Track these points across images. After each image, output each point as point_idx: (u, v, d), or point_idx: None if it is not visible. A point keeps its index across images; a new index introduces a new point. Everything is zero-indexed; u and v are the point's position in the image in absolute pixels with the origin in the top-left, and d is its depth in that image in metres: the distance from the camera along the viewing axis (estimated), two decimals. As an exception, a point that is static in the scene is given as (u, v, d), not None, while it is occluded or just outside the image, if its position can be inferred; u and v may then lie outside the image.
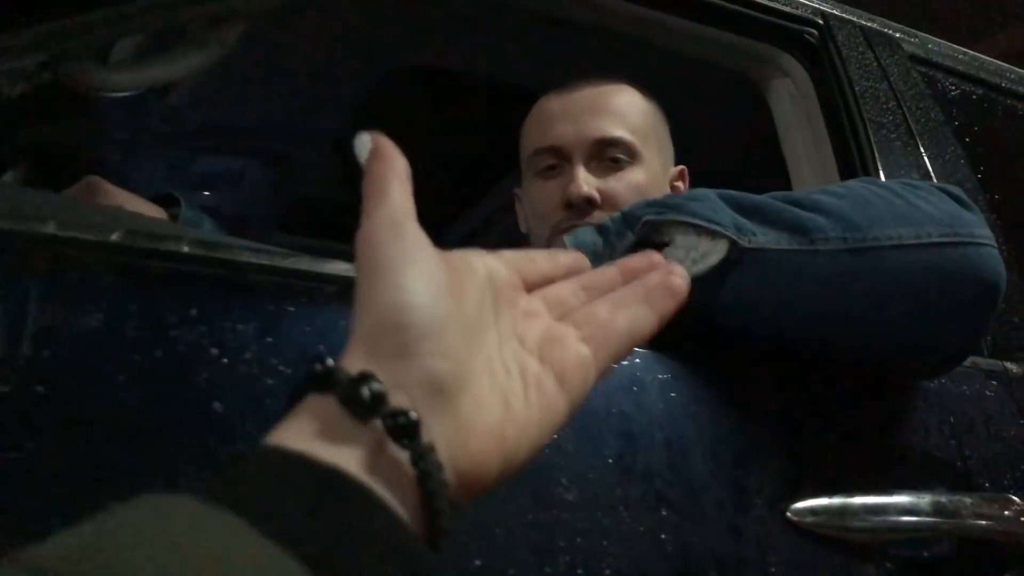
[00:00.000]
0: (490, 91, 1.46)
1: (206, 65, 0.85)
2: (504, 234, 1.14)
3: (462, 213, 1.78)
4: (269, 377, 0.51)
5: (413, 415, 0.31)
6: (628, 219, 0.74)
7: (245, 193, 1.51)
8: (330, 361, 0.32)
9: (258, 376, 0.51)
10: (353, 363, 0.32)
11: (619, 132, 1.03)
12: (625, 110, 1.05)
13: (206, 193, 1.48)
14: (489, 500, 0.53)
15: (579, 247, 0.61)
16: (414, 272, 0.34)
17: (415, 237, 0.35)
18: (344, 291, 0.57)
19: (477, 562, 0.52)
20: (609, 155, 1.03)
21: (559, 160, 1.04)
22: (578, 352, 0.39)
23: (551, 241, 1.04)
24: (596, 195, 1.00)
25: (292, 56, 1.30)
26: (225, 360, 0.51)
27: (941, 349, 0.73)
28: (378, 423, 0.31)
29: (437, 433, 0.32)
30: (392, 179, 0.37)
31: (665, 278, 0.42)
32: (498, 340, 0.37)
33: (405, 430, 0.31)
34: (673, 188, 1.11)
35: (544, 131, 1.06)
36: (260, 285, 0.55)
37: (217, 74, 1.05)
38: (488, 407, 0.35)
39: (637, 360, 0.64)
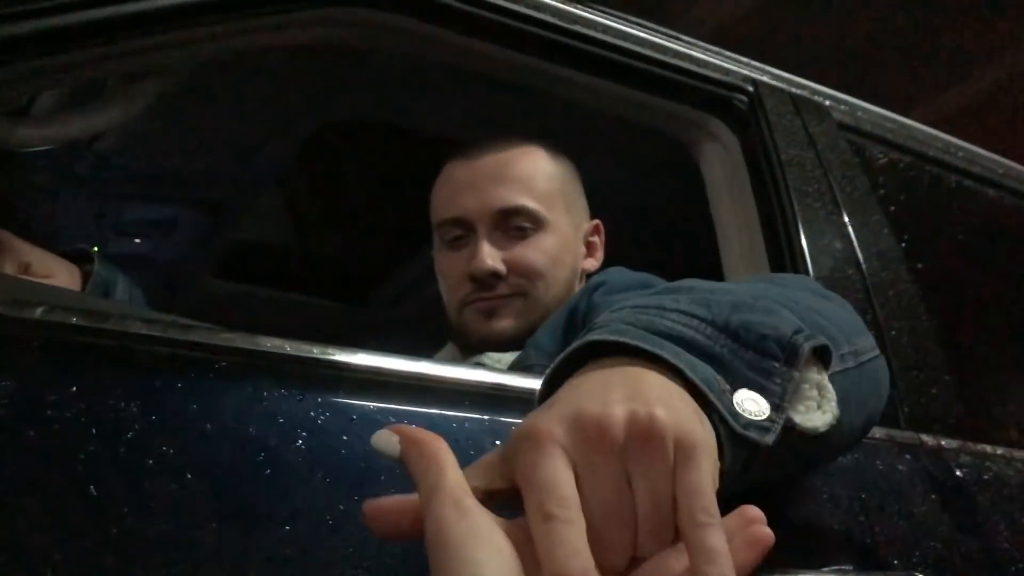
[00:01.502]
0: (425, 145, 1.46)
1: (126, 119, 0.84)
2: (436, 294, 1.14)
3: (398, 266, 1.78)
4: (150, 459, 0.49)
5: None
6: (770, 347, 0.53)
7: (177, 240, 1.49)
8: None
9: (138, 459, 0.49)
10: None
11: (522, 201, 1.03)
12: (529, 176, 1.06)
13: (137, 241, 1.45)
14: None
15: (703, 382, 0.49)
16: (483, 546, 0.38)
17: (479, 513, 0.40)
18: (239, 365, 0.56)
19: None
20: (514, 224, 1.03)
21: (464, 231, 1.04)
22: None
23: (460, 313, 1.04)
24: (501, 267, 1.00)
25: (223, 106, 1.29)
26: (104, 441, 0.49)
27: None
28: None
29: None
30: (444, 458, 0.42)
31: (749, 530, 0.44)
32: None
33: None
34: (588, 244, 1.11)
35: (449, 201, 1.06)
36: (147, 358, 0.54)
37: (146, 122, 1.04)
38: None
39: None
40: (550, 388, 0.50)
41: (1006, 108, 4.69)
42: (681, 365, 0.47)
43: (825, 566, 0.67)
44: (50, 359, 0.51)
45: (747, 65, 1.19)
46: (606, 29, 1.05)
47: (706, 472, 0.42)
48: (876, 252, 1.03)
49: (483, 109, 1.37)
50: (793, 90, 1.21)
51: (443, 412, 0.61)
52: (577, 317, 0.92)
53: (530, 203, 1.04)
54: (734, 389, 0.50)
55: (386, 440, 0.44)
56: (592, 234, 1.13)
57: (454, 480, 0.41)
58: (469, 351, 1.04)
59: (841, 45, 4.37)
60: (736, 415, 0.48)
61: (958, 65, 4.60)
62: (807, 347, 0.53)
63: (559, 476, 0.40)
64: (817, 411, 0.53)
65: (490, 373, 0.71)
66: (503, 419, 0.63)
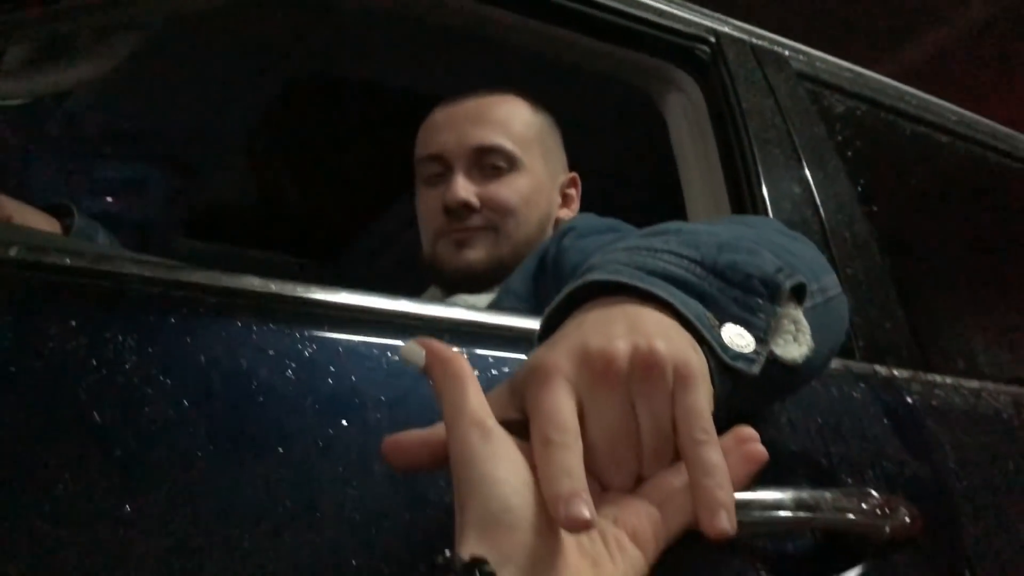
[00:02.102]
0: (395, 101, 1.48)
1: (98, 75, 0.85)
2: (410, 246, 1.17)
3: (369, 223, 1.79)
4: (148, 387, 0.52)
5: None
6: (755, 285, 0.56)
7: (148, 200, 1.50)
8: (448, 552, 0.40)
9: (137, 386, 0.52)
10: (467, 547, 0.40)
11: (499, 140, 1.08)
12: (507, 119, 1.10)
13: (108, 199, 1.46)
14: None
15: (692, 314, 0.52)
16: (503, 466, 0.42)
17: (499, 435, 0.44)
18: (224, 302, 0.59)
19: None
20: (489, 162, 1.07)
21: (443, 168, 1.08)
22: (649, 514, 0.46)
23: (434, 246, 1.07)
24: (474, 200, 1.05)
25: (192, 63, 1.30)
26: (104, 371, 0.51)
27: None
28: None
29: None
30: (468, 383, 0.45)
31: (744, 447, 0.49)
32: None
33: None
34: (564, 195, 1.15)
35: (429, 140, 1.10)
36: (140, 296, 0.56)
37: (115, 80, 1.05)
38: (580, 568, 0.42)
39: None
40: (550, 326, 0.54)
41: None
42: (675, 302, 0.51)
43: (784, 485, 0.71)
44: (48, 298, 0.54)
45: (709, 16, 1.22)
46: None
47: (702, 396, 0.46)
48: (833, 196, 1.07)
49: (449, 63, 1.39)
50: (754, 40, 1.24)
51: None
52: (547, 261, 0.95)
53: (506, 143, 1.08)
54: (722, 324, 0.54)
55: (413, 352, 0.47)
56: (569, 186, 1.16)
57: (476, 402, 0.44)
58: (446, 290, 1.07)
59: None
60: (725, 348, 0.52)
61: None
62: (788, 285, 0.57)
63: (561, 404, 0.44)
64: (794, 344, 0.58)
65: (468, 311, 0.74)
66: (479, 352, 0.66)
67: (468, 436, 0.43)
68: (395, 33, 1.33)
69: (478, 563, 0.39)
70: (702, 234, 0.60)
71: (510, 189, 1.07)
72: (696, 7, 1.23)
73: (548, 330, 0.54)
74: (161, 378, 0.52)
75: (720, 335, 0.53)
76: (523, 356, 0.67)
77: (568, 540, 0.43)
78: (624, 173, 1.51)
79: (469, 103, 1.12)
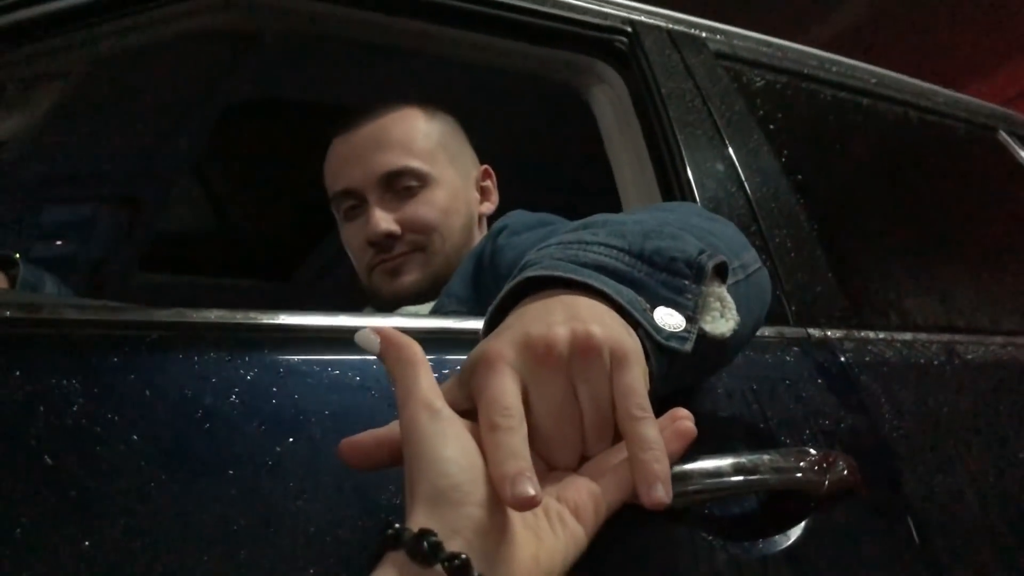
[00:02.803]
0: (328, 118, 1.51)
1: (26, 126, 0.87)
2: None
3: (317, 241, 1.81)
4: (98, 427, 0.55)
5: (464, 556, 0.40)
6: (680, 268, 0.60)
7: (98, 238, 1.51)
8: (397, 524, 0.43)
9: (86, 427, 0.54)
10: (416, 520, 0.43)
11: (404, 161, 1.10)
12: (406, 137, 1.12)
13: (58, 243, 1.47)
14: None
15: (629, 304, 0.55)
16: (451, 444, 0.45)
17: (447, 415, 0.46)
18: (167, 336, 0.61)
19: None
20: (401, 185, 1.10)
21: (357, 200, 1.11)
22: (589, 489, 0.49)
23: (369, 278, 1.10)
24: (395, 228, 1.08)
25: (126, 101, 1.32)
26: (52, 417, 0.54)
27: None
28: (439, 567, 0.40)
29: (485, 568, 0.42)
30: (419, 367, 0.48)
31: (676, 424, 0.53)
32: None
33: (460, 570, 0.40)
34: (481, 190, 1.17)
35: (336, 175, 1.13)
36: (83, 340, 0.59)
37: (48, 127, 1.06)
38: (524, 540, 0.45)
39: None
40: (492, 323, 0.58)
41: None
42: (608, 290, 0.55)
43: (722, 451, 0.74)
44: (-8, 351, 0.56)
45: (624, 7, 1.25)
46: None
47: (638, 375, 0.50)
48: (757, 169, 1.11)
49: (378, 76, 1.41)
50: (670, 26, 1.27)
51: (365, 359, 0.67)
52: (483, 261, 0.98)
53: (412, 162, 1.10)
54: (653, 307, 0.57)
55: (368, 338, 0.51)
56: (483, 179, 1.19)
57: (427, 384, 0.48)
58: (386, 310, 1.10)
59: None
60: (659, 329, 0.56)
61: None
62: (710, 265, 0.61)
63: (505, 388, 0.48)
64: (721, 319, 0.61)
65: (409, 320, 0.77)
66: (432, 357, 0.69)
67: (418, 416, 0.46)
68: (323, 53, 1.36)
69: (426, 534, 0.41)
70: (628, 224, 0.64)
71: (427, 206, 1.09)
72: (610, 1, 1.26)
73: (491, 326, 0.58)
74: (108, 415, 0.55)
75: (652, 317, 0.56)
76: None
77: (513, 515, 0.46)
78: (561, 166, 1.54)
79: (365, 129, 1.13)
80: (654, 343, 0.55)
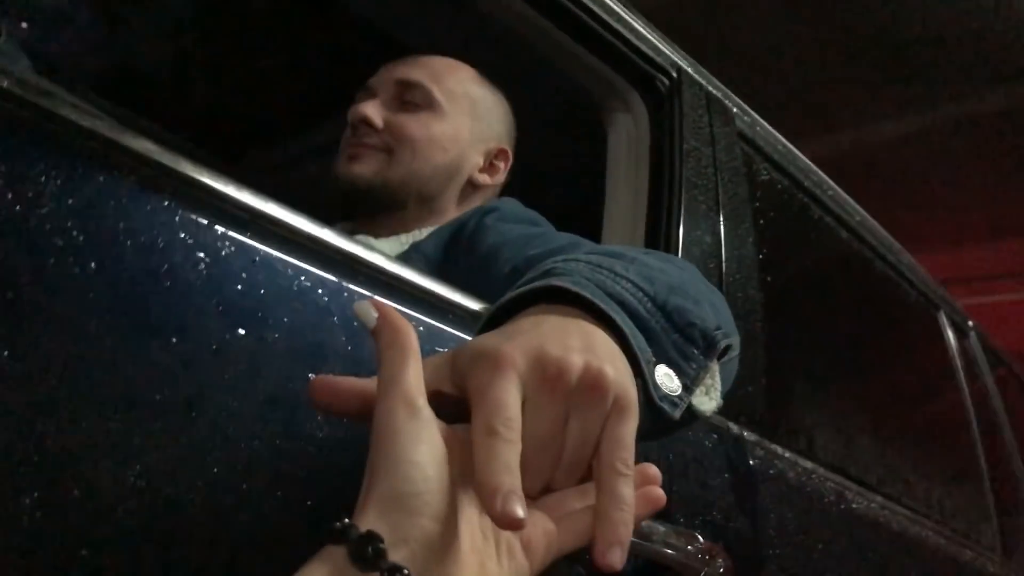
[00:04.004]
0: (349, 29, 1.46)
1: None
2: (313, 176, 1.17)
3: (283, 136, 1.75)
4: (58, 239, 0.50)
5: (406, 572, 0.38)
6: (695, 336, 0.59)
7: (67, 38, 1.41)
8: (346, 520, 0.40)
9: (45, 238, 0.50)
10: (365, 519, 0.40)
11: (423, 79, 1.10)
12: (441, 70, 1.13)
13: (23, 25, 1.36)
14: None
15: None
16: (423, 449, 0.42)
17: (426, 417, 0.44)
18: (154, 176, 0.57)
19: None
20: (410, 98, 1.09)
21: (368, 97, 1.11)
22: (544, 527, 0.47)
23: (337, 160, 1.10)
24: (377, 120, 1.07)
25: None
26: (18, 207, 0.49)
27: None
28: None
29: None
30: (409, 357, 0.45)
31: (647, 490, 0.51)
32: (480, 509, 0.44)
33: None
34: (490, 166, 1.14)
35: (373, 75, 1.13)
36: (78, 146, 0.54)
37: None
38: (467, 565, 0.43)
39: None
40: (498, 316, 0.55)
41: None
42: (627, 332, 0.53)
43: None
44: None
45: (676, 51, 1.25)
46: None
47: (632, 429, 0.48)
48: (737, 255, 1.12)
49: (422, 10, 1.37)
50: (709, 87, 1.28)
51: (338, 281, 0.63)
52: (464, 233, 0.96)
53: (430, 84, 1.10)
54: (657, 363, 0.56)
55: (366, 312, 0.48)
56: (497, 156, 1.15)
57: (413, 378, 0.45)
58: (336, 209, 1.09)
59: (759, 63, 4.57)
60: (657, 387, 0.54)
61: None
62: (722, 344, 0.60)
63: (511, 398, 0.45)
64: (706, 397, 0.61)
65: (381, 258, 0.74)
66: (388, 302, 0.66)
67: (396, 410, 0.43)
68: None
69: (372, 539, 0.39)
70: (655, 270, 0.62)
71: (418, 123, 1.08)
72: (667, 40, 1.26)
73: (496, 319, 0.55)
74: (74, 234, 0.50)
75: (654, 373, 0.55)
76: (429, 319, 0.68)
77: (463, 534, 0.44)
78: (552, 175, 1.52)
79: (423, 56, 1.14)
80: (647, 398, 0.53)
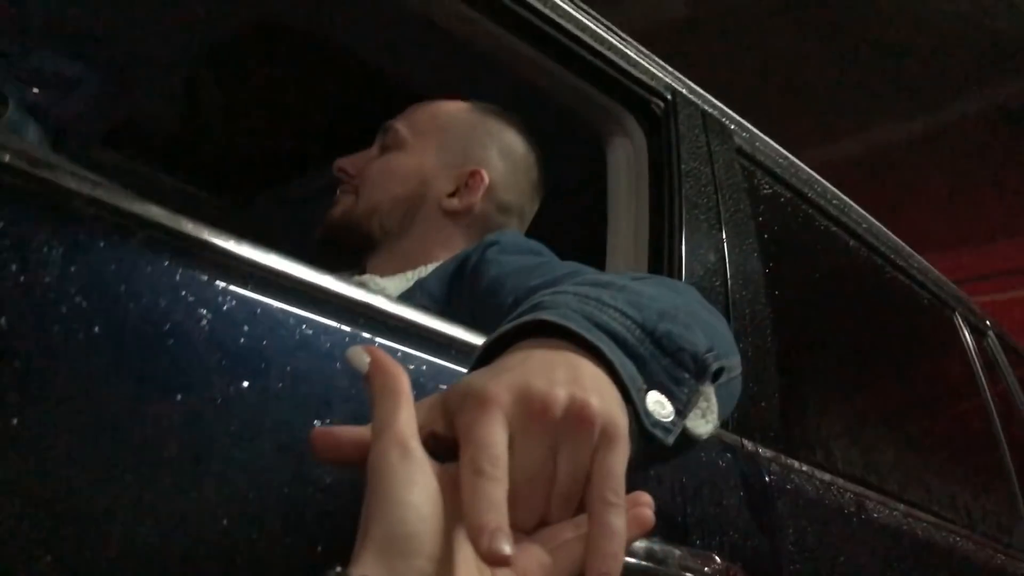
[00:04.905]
0: (353, 71, 1.48)
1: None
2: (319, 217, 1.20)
3: (291, 178, 1.78)
4: (63, 306, 0.52)
5: None
6: (685, 360, 0.60)
7: (76, 100, 1.44)
8: (339, 568, 0.41)
9: (52, 305, 0.51)
10: (363, 563, 0.41)
11: (396, 122, 1.21)
12: (417, 109, 1.23)
13: (35, 91, 1.40)
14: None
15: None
16: (416, 491, 0.43)
17: (418, 458, 0.45)
18: (155, 236, 0.58)
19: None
20: (386, 142, 1.20)
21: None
22: (541, 560, 0.47)
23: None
24: (348, 167, 1.21)
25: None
26: (22, 278, 0.51)
27: None
28: None
29: None
30: (401, 401, 0.46)
31: (636, 511, 0.51)
32: None
33: None
34: (465, 187, 1.16)
35: None
36: (78, 213, 0.55)
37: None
38: None
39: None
40: (489, 353, 0.56)
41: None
42: (614, 361, 0.53)
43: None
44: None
45: (670, 74, 1.26)
46: (555, 8, 1.09)
47: (621, 459, 0.48)
48: (742, 272, 1.13)
49: (419, 51, 1.39)
50: (705, 107, 1.29)
51: (340, 326, 0.65)
52: (467, 267, 0.97)
53: (400, 124, 1.20)
54: (648, 389, 0.56)
55: (359, 357, 0.49)
56: (468, 177, 1.16)
57: (405, 421, 0.46)
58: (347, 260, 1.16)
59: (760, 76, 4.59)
60: (648, 414, 0.55)
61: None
62: (714, 367, 0.60)
63: (496, 436, 0.45)
64: (702, 420, 0.61)
65: (382, 300, 0.75)
66: (387, 344, 0.68)
67: (389, 453, 0.44)
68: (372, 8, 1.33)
69: None
70: (644, 297, 0.62)
71: (381, 162, 1.18)
72: (660, 62, 1.27)
73: (487, 356, 0.56)
74: (77, 300, 0.52)
75: (645, 400, 0.55)
76: (431, 356, 0.69)
77: (460, 573, 0.44)
78: (555, 201, 1.54)
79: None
80: (640, 426, 0.54)
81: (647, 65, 1.21)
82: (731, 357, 0.71)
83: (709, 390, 0.62)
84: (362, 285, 0.98)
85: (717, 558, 0.80)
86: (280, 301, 0.62)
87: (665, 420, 0.55)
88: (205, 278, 0.59)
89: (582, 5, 1.16)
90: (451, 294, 0.97)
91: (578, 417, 0.47)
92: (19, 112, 0.91)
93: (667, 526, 0.80)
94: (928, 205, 5.48)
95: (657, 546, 0.74)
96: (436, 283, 0.99)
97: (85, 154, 1.61)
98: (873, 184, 4.99)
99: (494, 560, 0.41)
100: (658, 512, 0.79)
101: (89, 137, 1.61)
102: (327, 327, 0.64)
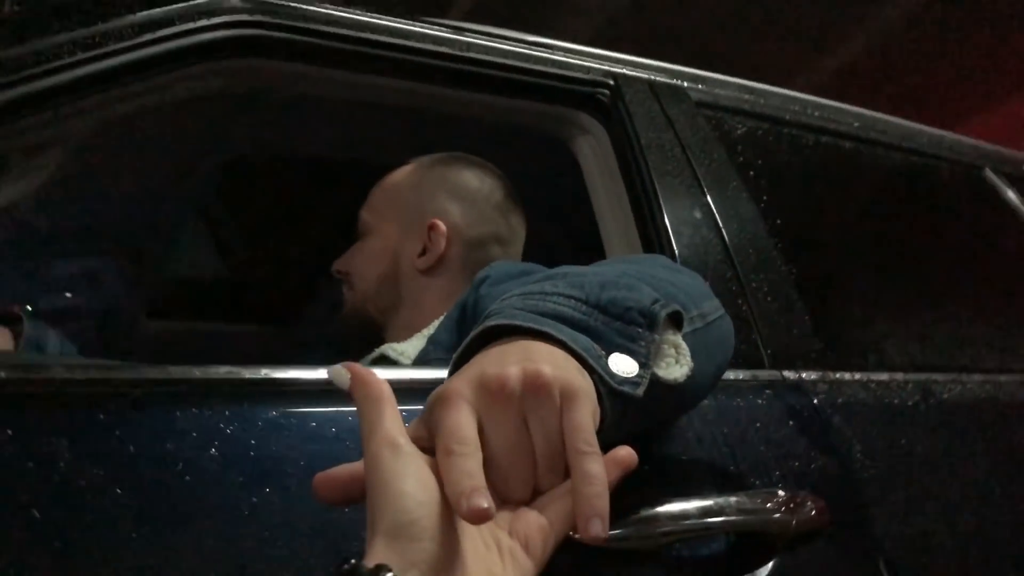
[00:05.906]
0: (334, 169, 1.56)
1: (31, 190, 0.92)
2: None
3: (321, 286, 1.86)
4: (82, 481, 0.58)
5: None
6: (634, 317, 0.63)
7: (104, 290, 1.55)
8: (353, 560, 0.45)
9: (72, 483, 0.58)
10: (375, 554, 0.45)
11: (362, 214, 1.29)
12: (377, 191, 1.30)
13: (67, 295, 1.52)
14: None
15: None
16: (411, 481, 0.48)
17: (409, 452, 0.49)
18: (149, 395, 0.65)
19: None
20: (359, 232, 1.29)
21: None
22: (539, 524, 0.53)
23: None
24: (341, 267, 1.29)
25: (124, 160, 1.38)
26: (40, 473, 0.58)
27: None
28: None
29: None
30: (385, 405, 0.51)
31: (612, 452, 0.56)
32: None
33: None
34: (431, 241, 1.22)
35: None
36: (70, 399, 0.63)
37: (58, 182, 1.12)
38: (475, 575, 0.48)
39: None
40: (456, 369, 0.61)
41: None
42: (564, 337, 0.58)
43: (691, 495, 0.77)
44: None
45: (608, 60, 1.30)
46: (469, 47, 1.15)
47: (586, 412, 0.53)
48: (735, 216, 1.14)
49: (373, 131, 1.46)
50: (653, 77, 1.32)
51: (342, 410, 0.70)
52: (467, 310, 1.02)
53: (364, 215, 1.29)
54: (608, 354, 0.60)
55: (339, 374, 0.54)
56: (428, 232, 1.22)
57: (391, 421, 0.51)
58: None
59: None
60: (612, 375, 0.59)
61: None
62: (663, 313, 0.64)
63: (461, 421, 0.51)
64: (676, 365, 0.65)
65: (395, 370, 0.81)
66: (411, 408, 0.73)
67: (381, 452, 0.49)
68: (312, 110, 1.41)
69: (382, 569, 0.44)
70: (588, 275, 0.68)
71: (357, 253, 1.27)
72: (595, 52, 1.31)
73: (454, 372, 0.61)
74: (94, 471, 0.59)
75: (607, 364, 0.59)
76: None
77: (466, 549, 0.49)
78: (551, 213, 1.58)
79: None
80: (608, 388, 0.58)
81: (580, 61, 1.25)
82: (700, 303, 0.74)
83: (674, 338, 0.65)
84: (382, 356, 1.07)
85: (780, 491, 0.82)
86: (281, 406, 0.68)
87: (630, 376, 0.59)
88: (209, 412, 0.65)
89: (498, 31, 1.22)
90: (462, 339, 1.01)
91: (533, 385, 0.52)
92: (35, 326, 1.00)
93: (721, 478, 0.83)
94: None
95: (711, 500, 0.76)
96: (445, 334, 1.04)
97: (135, 332, 1.72)
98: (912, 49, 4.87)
99: (476, 517, 0.45)
100: (706, 468, 0.83)
101: (133, 315, 1.72)
102: (335, 416, 0.69)
